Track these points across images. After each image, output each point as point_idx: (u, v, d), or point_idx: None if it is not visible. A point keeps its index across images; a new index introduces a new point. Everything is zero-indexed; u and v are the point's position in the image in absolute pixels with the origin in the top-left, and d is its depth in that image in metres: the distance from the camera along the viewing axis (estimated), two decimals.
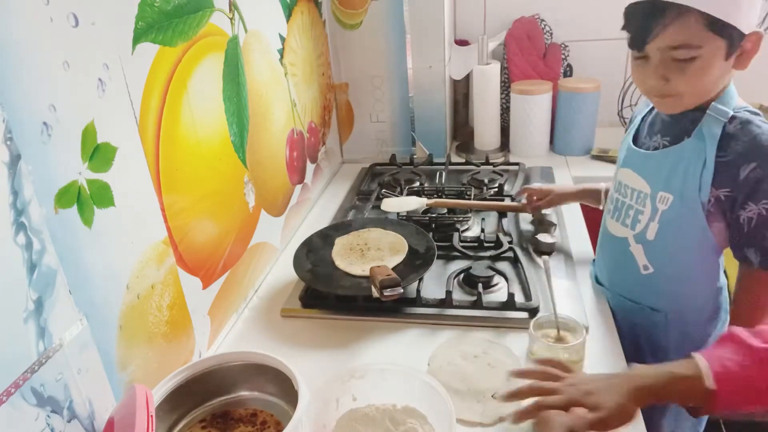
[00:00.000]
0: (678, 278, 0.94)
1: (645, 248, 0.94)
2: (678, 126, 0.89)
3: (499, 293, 1.07)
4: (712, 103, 0.84)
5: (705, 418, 1.04)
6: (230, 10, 1.01)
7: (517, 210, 1.27)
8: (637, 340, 1.00)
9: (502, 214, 1.31)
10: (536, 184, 1.26)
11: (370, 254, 1.15)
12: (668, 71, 0.82)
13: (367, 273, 1.07)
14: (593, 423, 0.67)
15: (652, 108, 0.97)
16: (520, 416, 0.71)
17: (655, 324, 0.97)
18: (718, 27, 0.77)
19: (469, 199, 1.37)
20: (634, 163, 0.95)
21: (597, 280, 1.07)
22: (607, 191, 1.15)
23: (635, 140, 0.97)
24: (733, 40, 0.79)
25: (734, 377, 0.66)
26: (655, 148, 0.92)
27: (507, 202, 1.27)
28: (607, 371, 0.86)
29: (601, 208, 1.19)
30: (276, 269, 1.24)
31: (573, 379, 0.73)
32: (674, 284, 0.94)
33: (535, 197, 1.23)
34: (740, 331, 0.69)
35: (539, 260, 1.15)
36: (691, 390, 0.67)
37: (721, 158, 0.82)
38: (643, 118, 0.98)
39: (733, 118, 0.83)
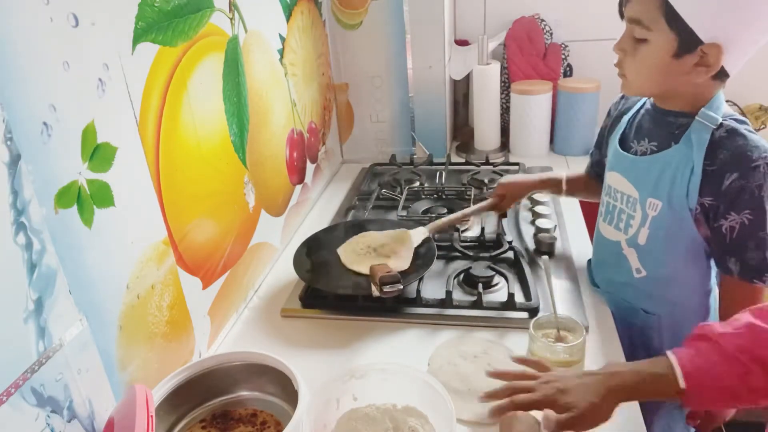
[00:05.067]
0: (670, 282, 0.94)
1: (637, 252, 0.94)
2: (665, 131, 0.89)
3: (499, 293, 1.07)
4: (702, 109, 0.83)
5: None
6: (230, 10, 1.01)
7: (486, 210, 1.21)
8: (632, 340, 1.00)
9: (501, 214, 1.31)
10: (504, 179, 1.21)
11: (381, 251, 1.14)
12: (627, 45, 0.85)
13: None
14: (565, 423, 0.68)
15: (638, 110, 0.97)
16: (494, 413, 0.72)
17: (648, 326, 0.98)
18: (671, 17, 0.77)
19: (469, 199, 1.37)
20: (623, 168, 0.94)
21: (593, 282, 1.07)
22: (568, 179, 1.16)
23: (622, 143, 0.97)
24: (685, 39, 0.78)
25: (703, 375, 0.66)
26: (643, 153, 0.91)
27: (479, 204, 1.21)
28: None
29: (563, 196, 1.20)
30: (276, 269, 1.24)
31: (548, 377, 0.73)
32: (667, 287, 0.95)
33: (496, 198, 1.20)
34: (710, 327, 0.69)
35: (539, 260, 1.15)
36: (664, 388, 0.68)
37: (708, 166, 0.82)
38: (629, 120, 0.98)
39: (720, 125, 0.82)
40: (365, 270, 1.09)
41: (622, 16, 0.86)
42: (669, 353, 0.69)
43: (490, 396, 0.74)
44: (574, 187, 1.18)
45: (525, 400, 0.70)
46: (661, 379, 0.68)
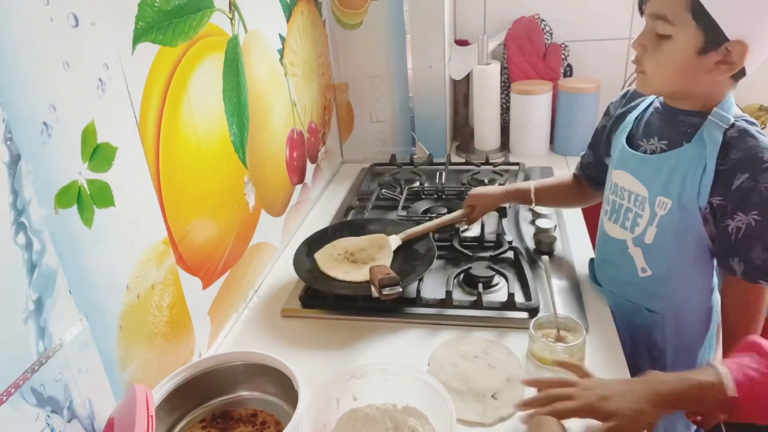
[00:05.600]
0: (675, 281, 0.94)
1: (643, 251, 0.94)
2: (676, 130, 0.89)
3: (499, 293, 1.07)
4: (714, 108, 0.84)
5: None
6: (230, 10, 1.01)
7: (458, 221, 1.22)
8: (634, 339, 1.00)
9: (501, 214, 1.32)
10: (474, 190, 1.22)
11: (359, 256, 1.14)
12: (648, 41, 0.84)
13: (358, 278, 1.06)
14: (609, 431, 0.67)
15: (646, 108, 0.97)
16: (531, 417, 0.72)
17: (651, 325, 0.98)
18: (697, 13, 0.77)
19: None
20: (631, 166, 0.94)
21: (595, 280, 1.07)
22: (536, 189, 1.16)
23: (630, 141, 0.97)
24: (710, 36, 0.77)
25: (755, 385, 0.66)
26: (653, 152, 0.91)
27: (451, 214, 1.22)
28: (607, 371, 0.87)
29: (533, 207, 1.20)
30: (276, 269, 1.24)
31: (588, 383, 0.72)
32: (671, 286, 0.95)
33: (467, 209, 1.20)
34: (760, 340, 0.69)
35: (539, 260, 1.15)
36: (712, 398, 0.67)
37: (719, 166, 0.82)
38: (636, 119, 0.98)
39: (732, 125, 0.82)
40: (341, 275, 1.09)
41: (642, 12, 0.85)
42: (717, 363, 0.69)
43: (528, 404, 0.73)
44: (543, 196, 1.18)
45: (566, 408, 0.70)
46: (709, 387, 0.67)
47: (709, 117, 0.84)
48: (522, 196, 1.18)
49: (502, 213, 1.32)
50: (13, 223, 0.55)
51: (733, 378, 0.67)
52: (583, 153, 1.15)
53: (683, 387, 0.69)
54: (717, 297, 0.97)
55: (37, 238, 0.58)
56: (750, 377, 0.67)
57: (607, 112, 1.07)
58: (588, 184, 1.14)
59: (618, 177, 0.97)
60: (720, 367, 0.68)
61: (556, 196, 1.20)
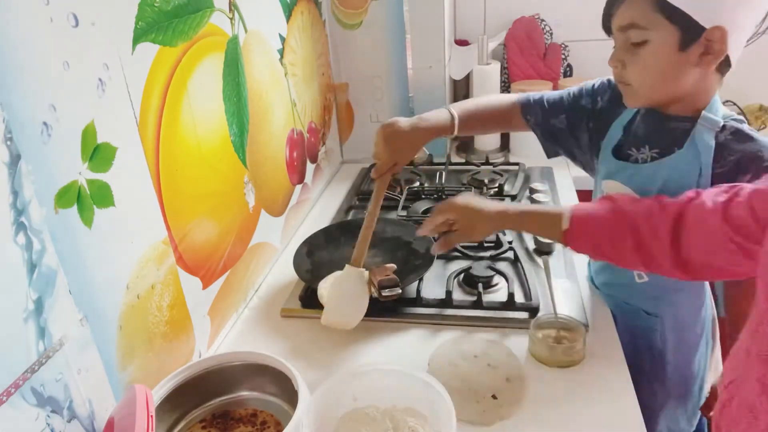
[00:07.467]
0: (672, 285, 0.93)
1: None
2: (666, 137, 0.87)
3: (499, 293, 1.07)
4: (703, 112, 0.82)
5: (698, 415, 1.05)
6: (230, 10, 1.01)
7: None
8: (634, 340, 1.00)
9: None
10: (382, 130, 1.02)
11: None
12: (625, 55, 0.83)
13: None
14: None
15: (633, 117, 0.94)
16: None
17: (650, 327, 0.97)
18: (667, 10, 0.76)
19: None
20: (624, 176, 0.91)
21: (593, 282, 1.07)
22: (460, 117, 1.04)
23: (618, 151, 0.94)
24: (687, 30, 0.76)
25: (588, 220, 0.80)
26: (644, 161, 0.89)
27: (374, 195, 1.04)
28: (607, 371, 0.87)
29: (452, 136, 1.07)
30: (276, 269, 1.24)
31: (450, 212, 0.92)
32: (668, 290, 0.94)
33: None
34: (617, 194, 0.83)
35: (539, 260, 1.15)
36: (549, 226, 0.84)
37: (716, 169, 0.81)
38: (624, 129, 0.94)
39: (723, 127, 0.81)
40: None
41: (608, 31, 0.84)
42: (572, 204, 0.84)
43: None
44: (467, 126, 1.06)
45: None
46: (549, 216, 0.84)
47: (699, 122, 0.82)
48: (442, 130, 1.05)
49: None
50: (13, 223, 0.55)
51: (573, 212, 0.81)
52: (548, 99, 1.05)
53: (528, 210, 0.88)
54: (707, 292, 0.97)
55: (37, 238, 0.58)
56: (587, 211, 0.81)
57: (592, 93, 1.00)
58: (527, 125, 1.06)
59: (609, 187, 0.94)
60: (569, 205, 0.83)
61: (480, 123, 1.09)
